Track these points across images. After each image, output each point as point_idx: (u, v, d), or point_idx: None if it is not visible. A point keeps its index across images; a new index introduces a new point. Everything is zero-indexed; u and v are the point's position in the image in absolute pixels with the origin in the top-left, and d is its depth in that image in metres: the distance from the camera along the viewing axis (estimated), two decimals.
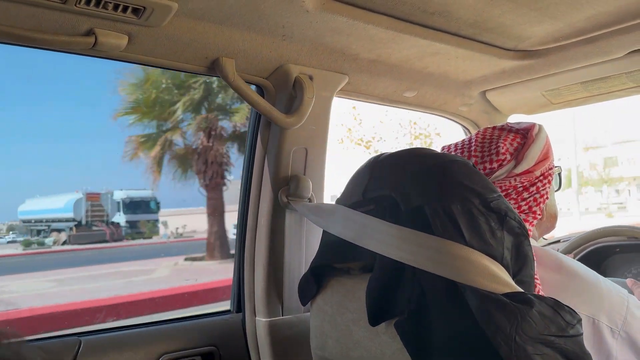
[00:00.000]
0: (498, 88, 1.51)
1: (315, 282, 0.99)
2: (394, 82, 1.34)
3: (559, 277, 0.88)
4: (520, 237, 0.78)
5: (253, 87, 1.18)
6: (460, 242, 0.74)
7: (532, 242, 0.99)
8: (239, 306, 1.31)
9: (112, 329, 1.19)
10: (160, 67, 1.05)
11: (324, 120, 1.24)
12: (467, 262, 0.72)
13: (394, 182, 0.84)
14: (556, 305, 0.70)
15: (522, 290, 0.73)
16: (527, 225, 0.94)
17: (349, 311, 0.91)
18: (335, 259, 0.95)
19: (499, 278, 0.72)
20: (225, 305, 1.37)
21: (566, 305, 0.71)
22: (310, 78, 1.17)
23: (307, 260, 1.25)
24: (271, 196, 1.20)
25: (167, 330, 1.22)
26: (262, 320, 1.22)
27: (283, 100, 1.18)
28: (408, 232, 0.78)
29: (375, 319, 0.82)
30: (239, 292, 1.31)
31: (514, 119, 1.78)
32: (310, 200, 1.23)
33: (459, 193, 0.77)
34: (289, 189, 1.20)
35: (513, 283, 0.74)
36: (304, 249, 1.25)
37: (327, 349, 0.97)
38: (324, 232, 0.99)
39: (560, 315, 0.69)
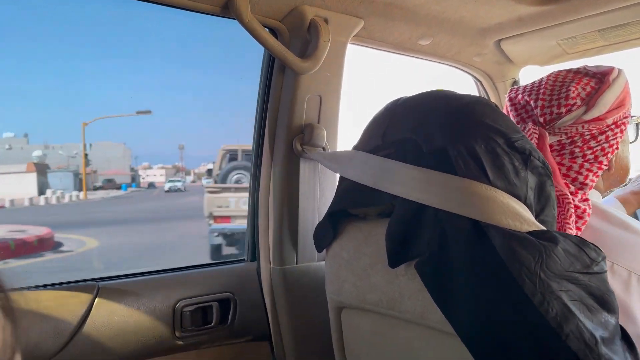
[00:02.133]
0: (513, 37, 1.47)
1: (331, 227, 0.99)
2: (410, 28, 1.31)
3: (625, 234, 0.87)
4: (544, 177, 0.77)
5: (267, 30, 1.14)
6: (484, 182, 0.73)
7: (597, 195, 0.96)
8: (253, 255, 1.32)
9: (129, 275, 1.20)
10: (173, 6, 1.01)
11: (339, 67, 1.21)
12: (492, 202, 0.72)
13: (416, 124, 0.83)
14: (581, 243, 0.70)
15: (546, 228, 0.73)
16: (590, 175, 0.91)
17: (366, 255, 0.92)
18: (352, 204, 0.95)
19: (522, 217, 0.72)
20: None
21: (591, 243, 0.71)
22: (326, 21, 1.13)
23: (321, 209, 1.25)
24: (285, 144, 1.19)
25: (184, 277, 1.24)
26: (276, 268, 1.24)
27: (298, 45, 1.15)
28: (431, 174, 0.77)
29: (394, 261, 0.83)
30: (253, 240, 1.32)
31: (526, 70, 1.75)
32: (324, 149, 1.22)
33: (482, 133, 0.76)
34: (304, 137, 1.19)
35: (536, 222, 0.74)
36: (317, 197, 1.24)
37: (343, 294, 0.98)
38: (341, 178, 0.99)
39: (585, 252, 0.70)
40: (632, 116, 0.94)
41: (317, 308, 1.16)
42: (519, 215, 0.72)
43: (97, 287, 1.11)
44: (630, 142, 1.01)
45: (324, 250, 1.03)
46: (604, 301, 0.69)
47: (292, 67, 1.10)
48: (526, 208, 0.74)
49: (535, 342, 0.67)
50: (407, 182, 0.80)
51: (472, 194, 0.73)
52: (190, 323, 1.19)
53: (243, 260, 1.34)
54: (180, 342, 1.18)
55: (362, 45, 1.33)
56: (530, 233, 0.70)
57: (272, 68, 1.20)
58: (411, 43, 1.39)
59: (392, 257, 0.83)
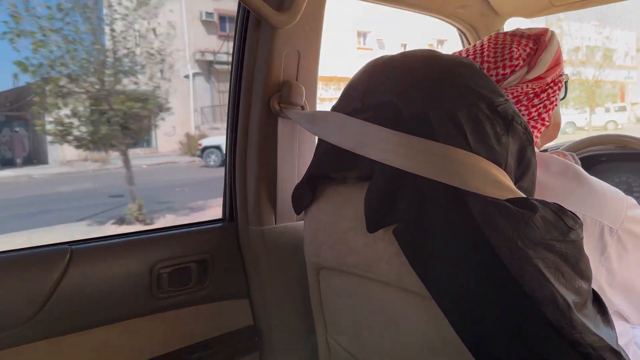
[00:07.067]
0: None
1: (310, 190, 0.98)
2: None
3: (566, 182, 0.88)
4: (525, 143, 0.76)
5: None
6: (465, 149, 0.72)
7: (536, 149, 0.99)
8: (231, 215, 1.30)
9: (103, 237, 1.17)
10: None
11: (318, 20, 1.15)
12: (472, 169, 0.71)
13: (397, 87, 0.80)
14: (559, 211, 0.70)
15: (525, 196, 0.72)
16: (535, 132, 0.93)
17: (345, 219, 0.91)
18: (331, 168, 0.94)
19: (502, 184, 0.71)
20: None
21: (569, 210, 0.71)
22: None
23: (300, 169, 1.22)
24: (262, 103, 1.15)
25: (160, 239, 1.21)
26: (255, 228, 1.22)
27: None
28: (411, 139, 0.75)
29: (373, 226, 0.82)
30: (231, 201, 1.29)
31: (511, 22, 1.71)
32: (302, 107, 1.18)
33: (465, 98, 0.74)
34: (281, 95, 1.14)
35: (516, 189, 0.73)
36: (296, 157, 1.22)
37: (321, 255, 0.98)
38: (319, 140, 0.96)
39: (563, 220, 0.70)
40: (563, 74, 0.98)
41: (297, 267, 1.17)
42: (499, 183, 0.71)
43: (70, 250, 1.08)
44: (561, 99, 1.05)
45: (302, 212, 1.02)
46: (579, 268, 0.70)
47: (268, 21, 1.04)
48: (506, 175, 0.73)
49: (510, 307, 0.68)
50: (386, 147, 0.78)
51: (452, 160, 0.72)
52: (168, 284, 1.18)
53: (221, 220, 1.32)
54: (158, 304, 1.18)
55: None
56: (510, 200, 0.70)
57: (247, 22, 1.14)
58: None
59: (371, 221, 0.83)
